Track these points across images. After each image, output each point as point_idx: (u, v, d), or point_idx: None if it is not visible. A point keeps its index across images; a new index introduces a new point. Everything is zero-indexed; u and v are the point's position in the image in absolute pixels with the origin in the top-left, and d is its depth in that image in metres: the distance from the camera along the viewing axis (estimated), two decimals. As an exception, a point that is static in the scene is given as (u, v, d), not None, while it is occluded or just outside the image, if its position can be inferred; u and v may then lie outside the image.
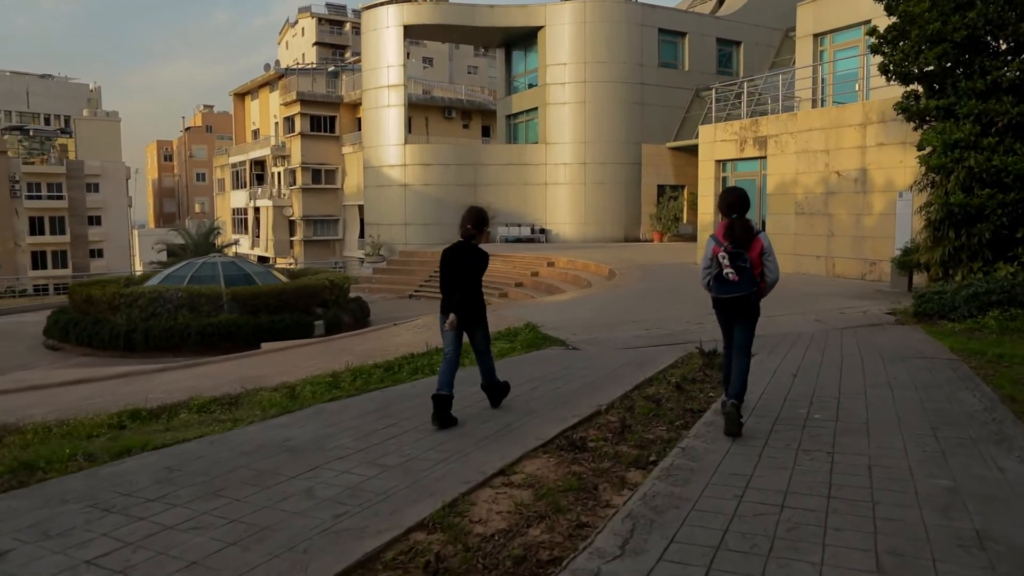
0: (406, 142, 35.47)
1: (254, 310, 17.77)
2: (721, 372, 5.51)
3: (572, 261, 23.47)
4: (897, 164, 15.11)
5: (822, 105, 18.48)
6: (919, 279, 13.81)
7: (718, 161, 19.87)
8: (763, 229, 18.65)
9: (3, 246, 61.39)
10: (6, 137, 71.03)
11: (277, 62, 52.53)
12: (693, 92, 34.45)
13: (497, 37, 38.43)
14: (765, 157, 18.38)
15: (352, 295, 29.08)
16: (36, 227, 68.13)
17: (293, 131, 48.85)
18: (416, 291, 27.43)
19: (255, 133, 58.00)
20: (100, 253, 71.68)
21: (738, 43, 36.83)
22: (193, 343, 16.49)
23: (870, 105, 15.79)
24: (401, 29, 35.09)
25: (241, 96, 59.55)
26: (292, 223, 51.14)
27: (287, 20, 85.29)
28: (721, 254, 4.70)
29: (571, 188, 34.42)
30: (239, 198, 56.78)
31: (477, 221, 5.25)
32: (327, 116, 49.48)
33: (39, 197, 68.45)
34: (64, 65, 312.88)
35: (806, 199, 17.23)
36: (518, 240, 33.54)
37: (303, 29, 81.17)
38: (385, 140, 35.76)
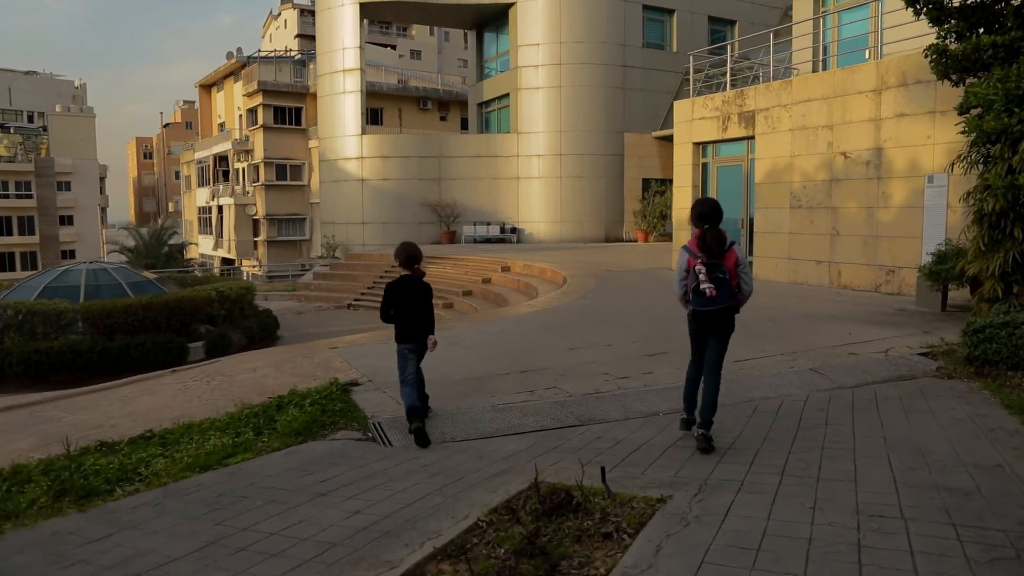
0: (364, 132, 31.89)
1: (109, 330, 14.11)
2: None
3: (528, 266, 19.98)
4: (923, 140, 11.37)
5: (824, 68, 14.72)
6: (957, 294, 10.08)
7: (696, 144, 16.13)
8: (746, 230, 15.09)
9: (-33, 247, 58.83)
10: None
11: (239, 49, 48.89)
12: (682, 76, 30.77)
13: (468, 17, 34.91)
14: (753, 137, 14.65)
15: (285, 303, 25.53)
16: (4, 227, 65.78)
17: (256, 123, 45.25)
18: (356, 300, 23.78)
19: (221, 127, 54.48)
20: (72, 254, 68.86)
21: (732, 22, 33.24)
22: (15, 374, 12.85)
23: (887, 64, 12.04)
24: (357, 7, 31.63)
25: (207, 88, 56.06)
26: (256, 222, 47.54)
27: (270, 12, 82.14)
28: (698, 267, 4.50)
29: (545, 182, 30.80)
30: (203, 196, 53.28)
31: (417, 259, 5.50)
32: (292, 107, 45.85)
33: (6, 196, 66.10)
34: (67, 65, 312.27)
35: (804, 189, 13.51)
36: (487, 240, 29.97)
37: (285, 21, 78.02)
38: (341, 130, 32.26)
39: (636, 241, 29.61)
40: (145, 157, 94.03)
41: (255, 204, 47.03)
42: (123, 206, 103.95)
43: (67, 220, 69.36)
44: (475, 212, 30.83)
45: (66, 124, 76.73)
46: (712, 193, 15.92)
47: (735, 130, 15.06)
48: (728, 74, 15.83)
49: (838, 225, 12.96)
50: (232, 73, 50.87)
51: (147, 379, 7.25)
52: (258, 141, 45.39)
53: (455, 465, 4.10)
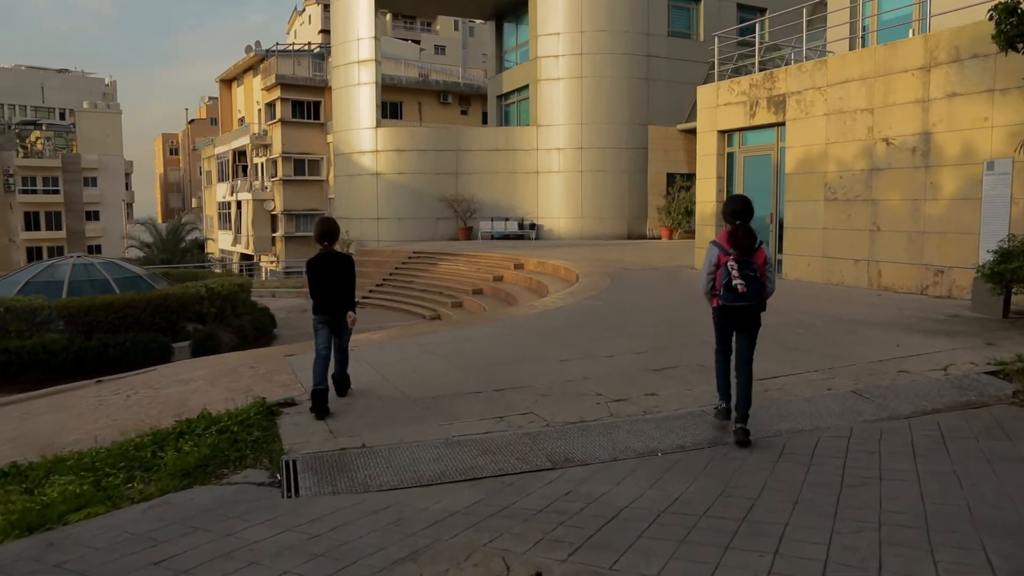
0: (379, 125, 31.01)
1: (88, 328, 13.27)
2: None
3: (542, 263, 18.89)
4: (980, 123, 10.00)
5: (863, 46, 13.35)
6: (1022, 299, 8.73)
7: (721, 132, 14.85)
8: (775, 226, 13.81)
9: (-2, 242, 59.50)
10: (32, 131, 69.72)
11: (258, 43, 48.34)
12: (708, 66, 29.38)
13: (487, 7, 33.91)
14: (783, 123, 13.33)
15: (293, 300, 24.63)
16: (31, 222, 66.56)
17: (274, 118, 44.66)
18: (364, 297, 22.77)
19: (241, 121, 54.07)
20: (99, 249, 69.31)
21: (763, 10, 31.67)
22: (-23, 376, 12.07)
23: (936, 38, 10.68)
24: (372, -3, 30.72)
25: (228, 83, 55.69)
26: (274, 218, 46.96)
27: (295, 8, 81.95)
28: (730, 263, 4.59)
29: (566, 177, 29.64)
30: (223, 191, 52.95)
31: (331, 235, 5.69)
32: (311, 101, 45.17)
33: (34, 191, 66.78)
34: (99, 64, 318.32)
35: (840, 179, 12.18)
36: (505, 237, 28.91)
37: (310, 17, 77.80)
38: (356, 123, 31.43)
39: (660, 238, 28.34)
40: (171, 153, 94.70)
41: (273, 199, 46.47)
42: (151, 202, 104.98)
43: (93, 215, 69.99)
44: (493, 207, 29.78)
45: (93, 121, 77.39)
46: (739, 185, 14.65)
47: (764, 116, 13.76)
48: (757, 54, 14.52)
49: (879, 220, 11.61)
50: (252, 67, 50.40)
51: (66, 391, 6.27)
52: (276, 136, 44.82)
53: (355, 536, 2.97)
